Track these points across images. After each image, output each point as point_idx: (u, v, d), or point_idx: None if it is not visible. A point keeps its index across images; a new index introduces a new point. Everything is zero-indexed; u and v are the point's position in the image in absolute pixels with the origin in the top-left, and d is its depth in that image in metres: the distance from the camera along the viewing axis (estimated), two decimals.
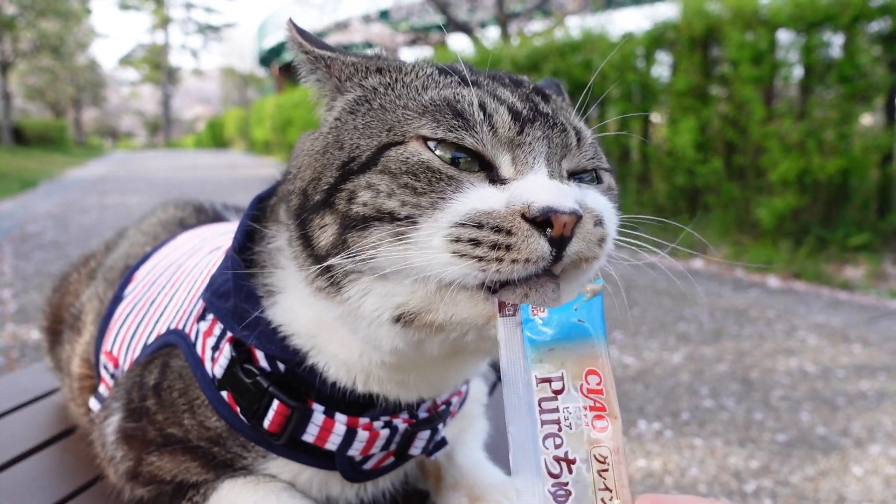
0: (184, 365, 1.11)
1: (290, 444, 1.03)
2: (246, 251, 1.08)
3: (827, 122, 7.36)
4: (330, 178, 0.88)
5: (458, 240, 0.77)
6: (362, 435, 1.02)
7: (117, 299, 1.36)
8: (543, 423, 0.70)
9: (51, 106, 41.89)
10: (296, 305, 1.00)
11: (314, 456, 1.05)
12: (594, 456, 0.69)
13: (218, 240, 1.39)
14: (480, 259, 0.76)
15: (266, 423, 1.01)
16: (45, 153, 26.92)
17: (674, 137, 8.79)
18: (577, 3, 17.15)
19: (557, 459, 0.69)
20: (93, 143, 52.00)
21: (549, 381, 0.71)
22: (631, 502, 0.68)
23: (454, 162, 0.84)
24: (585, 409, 0.70)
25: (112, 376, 1.27)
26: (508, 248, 0.76)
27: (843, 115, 7.27)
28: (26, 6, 25.34)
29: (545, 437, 0.69)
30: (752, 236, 8.08)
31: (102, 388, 1.28)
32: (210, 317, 1.09)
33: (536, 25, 18.49)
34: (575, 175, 0.93)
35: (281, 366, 1.02)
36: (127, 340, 1.26)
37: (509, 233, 0.77)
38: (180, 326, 1.16)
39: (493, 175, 0.84)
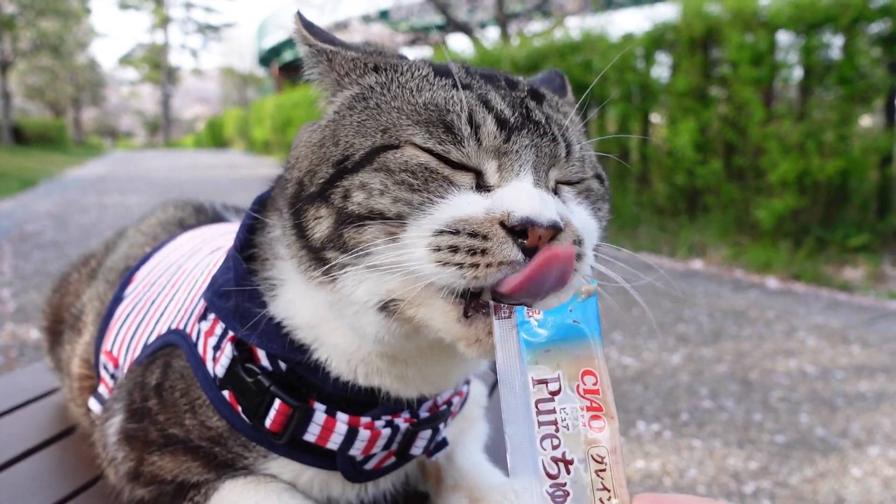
0: (185, 365, 1.11)
1: (292, 444, 1.03)
2: (248, 249, 1.08)
3: (826, 123, 7.36)
4: (325, 174, 0.90)
5: (438, 248, 0.79)
6: (364, 434, 1.02)
7: (117, 299, 1.36)
8: (540, 424, 0.70)
9: (50, 105, 41.87)
10: (296, 297, 1.01)
11: (315, 456, 1.05)
12: (592, 456, 0.69)
13: (218, 240, 1.39)
14: (460, 266, 0.78)
15: (267, 423, 1.01)
16: (45, 153, 26.92)
17: (673, 138, 8.79)
18: (577, 4, 17.15)
19: (555, 460, 0.69)
20: (92, 142, 51.98)
21: (545, 382, 0.71)
22: (629, 502, 0.68)
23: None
24: (582, 409, 0.70)
25: (112, 376, 1.27)
26: (484, 252, 0.78)
27: (843, 117, 7.27)
28: (26, 5, 25.32)
29: (542, 439, 0.69)
30: (751, 237, 8.08)
31: (102, 389, 1.28)
32: (211, 316, 1.09)
33: (536, 26, 18.50)
34: (566, 184, 0.93)
35: (283, 365, 1.03)
36: (127, 340, 1.26)
37: (485, 238, 0.79)
38: (181, 326, 1.16)
39: (480, 180, 0.86)
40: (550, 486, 0.68)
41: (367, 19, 21.58)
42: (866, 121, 8.16)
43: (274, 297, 1.03)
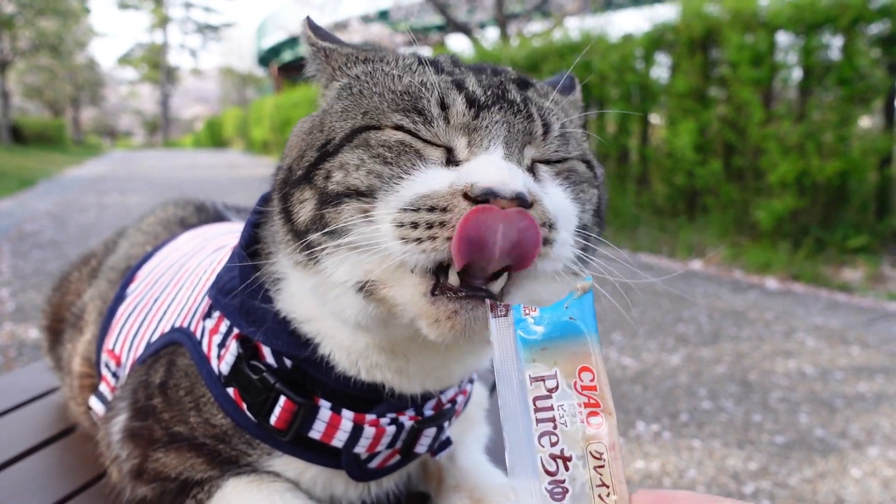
0: (189, 363, 1.11)
1: (296, 442, 1.03)
2: (253, 245, 1.09)
3: (826, 124, 7.37)
4: (311, 157, 0.93)
5: (401, 224, 0.80)
6: (369, 431, 1.02)
7: (119, 298, 1.36)
8: (538, 421, 0.70)
9: (49, 105, 41.83)
10: (297, 290, 1.01)
11: (320, 453, 1.05)
12: (590, 452, 0.69)
13: (221, 239, 1.39)
14: (419, 241, 0.78)
15: (272, 420, 1.01)
16: (44, 152, 26.90)
17: (673, 139, 8.79)
18: (577, 5, 17.15)
19: (553, 457, 0.69)
20: (91, 142, 51.94)
21: (542, 379, 0.71)
22: (627, 498, 0.67)
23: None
24: (580, 406, 0.70)
25: (114, 375, 1.27)
26: (443, 224, 0.77)
27: (842, 118, 7.27)
28: (25, 5, 25.31)
29: (541, 436, 0.69)
30: (750, 238, 8.09)
31: (103, 387, 1.28)
32: (216, 314, 1.09)
33: (535, 26, 18.51)
34: (545, 163, 0.93)
35: (288, 362, 1.03)
36: (129, 339, 1.26)
37: (444, 210, 0.78)
38: (185, 324, 1.16)
39: (451, 156, 0.87)
40: (549, 484, 0.68)
41: (366, 19, 21.57)
42: (865, 122, 8.17)
43: (278, 291, 1.03)
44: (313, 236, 0.88)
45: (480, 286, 0.80)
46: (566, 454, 0.69)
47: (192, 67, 68.92)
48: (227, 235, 1.41)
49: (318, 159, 0.91)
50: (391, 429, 1.03)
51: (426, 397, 1.07)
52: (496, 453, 1.32)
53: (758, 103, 7.82)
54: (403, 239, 0.79)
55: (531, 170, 0.90)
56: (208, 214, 1.68)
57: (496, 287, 0.81)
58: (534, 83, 1.02)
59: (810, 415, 3.96)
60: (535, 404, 0.70)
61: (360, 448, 1.03)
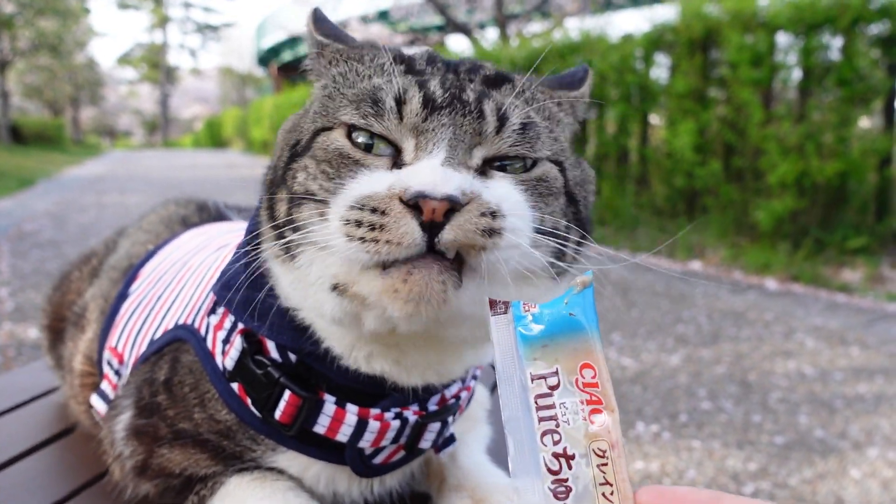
0: (194, 360, 1.11)
1: (301, 437, 1.03)
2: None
3: (825, 124, 7.37)
4: (285, 157, 0.99)
5: (347, 222, 0.82)
6: (373, 426, 1.02)
7: (122, 296, 1.36)
8: (540, 420, 0.69)
9: (49, 104, 41.82)
10: (285, 283, 1.03)
11: (324, 449, 1.04)
12: (593, 450, 0.68)
13: (224, 238, 1.39)
14: (363, 240, 0.81)
15: (277, 415, 1.01)
16: (43, 152, 26.90)
17: (672, 139, 8.80)
18: (576, 5, 17.17)
19: (556, 456, 0.68)
20: (90, 141, 51.94)
21: (543, 377, 0.70)
22: (631, 495, 0.67)
23: (368, 147, 0.91)
24: (582, 403, 0.69)
25: (116, 372, 1.27)
26: (382, 228, 0.80)
27: (842, 118, 7.28)
28: (25, 4, 25.30)
29: (543, 434, 0.69)
30: (750, 238, 8.09)
31: (105, 385, 1.28)
32: (220, 310, 1.09)
33: (535, 27, 18.52)
34: (499, 161, 0.92)
35: (292, 357, 1.03)
36: (132, 336, 1.26)
37: (384, 213, 0.81)
38: (189, 321, 1.17)
39: (398, 158, 0.89)
40: (552, 483, 0.67)
41: (366, 20, 21.57)
42: (865, 122, 8.17)
43: (278, 286, 1.04)
44: (288, 234, 0.92)
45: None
46: (569, 452, 0.68)
47: (192, 67, 68.96)
48: (230, 234, 1.41)
49: (289, 160, 0.97)
50: (395, 423, 1.03)
51: (430, 392, 1.07)
52: (497, 453, 1.32)
53: (757, 104, 7.83)
54: (349, 236, 0.81)
55: (482, 169, 0.90)
56: (210, 213, 1.68)
57: (447, 252, 0.82)
58: (512, 79, 1.01)
59: (810, 415, 3.96)
60: (536, 402, 0.69)
61: (365, 443, 1.03)
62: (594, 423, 0.69)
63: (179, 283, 1.29)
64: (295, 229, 0.90)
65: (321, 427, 1.01)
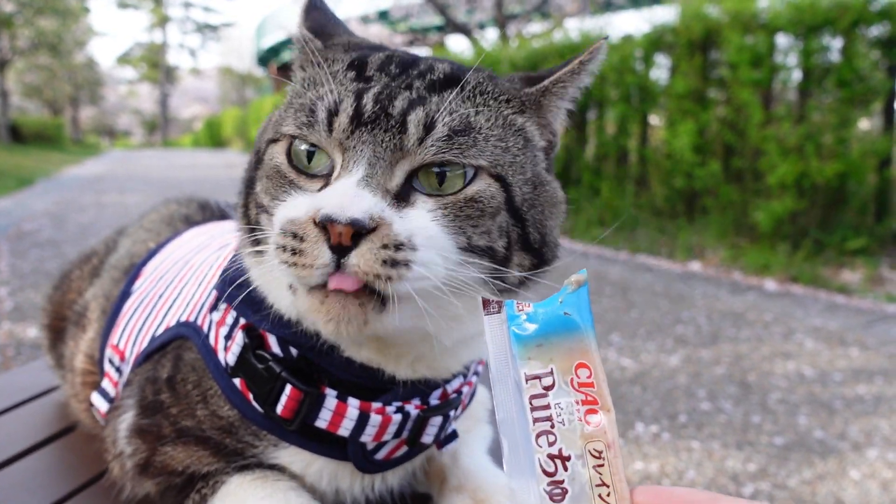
0: (196, 357, 1.11)
1: (303, 432, 1.03)
2: None
3: (825, 125, 7.37)
4: (253, 161, 1.03)
5: (277, 246, 0.85)
6: (375, 419, 1.01)
7: (125, 295, 1.37)
8: (535, 420, 0.68)
9: (48, 104, 41.80)
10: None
11: (326, 444, 1.04)
12: (589, 451, 0.67)
13: (226, 237, 1.39)
14: (288, 264, 0.84)
15: (279, 409, 1.01)
16: (42, 151, 26.88)
17: (672, 140, 8.80)
18: (576, 6, 17.18)
19: (552, 457, 0.67)
20: (90, 141, 51.92)
21: (538, 377, 0.69)
22: (628, 496, 0.66)
23: (310, 155, 0.92)
24: (577, 403, 0.69)
25: (117, 370, 1.27)
26: (301, 253, 0.83)
27: (842, 119, 7.28)
28: (24, 4, 25.29)
29: (538, 435, 0.68)
30: (749, 239, 8.09)
31: (106, 383, 1.28)
32: (222, 306, 1.10)
33: (535, 27, 18.53)
34: (437, 167, 0.88)
35: (293, 351, 1.03)
36: (134, 334, 1.27)
37: (302, 239, 0.83)
38: (191, 319, 1.17)
39: (328, 178, 0.90)
40: (548, 485, 0.66)
41: (365, 20, 21.56)
42: (865, 124, 8.18)
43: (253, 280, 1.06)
44: (257, 234, 0.96)
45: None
46: (564, 454, 0.67)
47: (192, 67, 68.94)
48: (232, 233, 1.41)
49: (255, 165, 1.02)
50: (397, 417, 1.03)
51: (431, 386, 1.07)
52: (498, 453, 1.32)
53: (757, 105, 7.83)
54: (281, 261, 0.84)
55: (403, 190, 0.88)
56: (212, 212, 1.68)
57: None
58: (459, 82, 0.94)
59: (809, 416, 3.96)
60: (531, 403, 0.69)
61: (367, 437, 1.03)
62: (590, 424, 0.68)
63: (182, 281, 1.29)
64: (258, 230, 0.95)
65: (323, 421, 1.01)
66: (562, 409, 0.68)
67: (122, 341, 1.28)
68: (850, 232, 7.52)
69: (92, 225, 9.75)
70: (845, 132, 7.31)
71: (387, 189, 0.86)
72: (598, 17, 16.01)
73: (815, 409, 4.05)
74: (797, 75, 7.95)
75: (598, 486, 0.66)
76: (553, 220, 1.00)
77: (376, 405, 1.02)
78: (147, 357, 1.20)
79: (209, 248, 1.35)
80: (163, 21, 61.18)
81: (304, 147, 0.92)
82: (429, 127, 0.88)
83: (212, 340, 1.10)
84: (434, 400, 1.09)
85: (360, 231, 0.80)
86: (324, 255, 0.81)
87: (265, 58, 43.68)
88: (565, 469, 0.67)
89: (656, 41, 9.25)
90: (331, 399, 1.01)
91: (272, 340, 1.03)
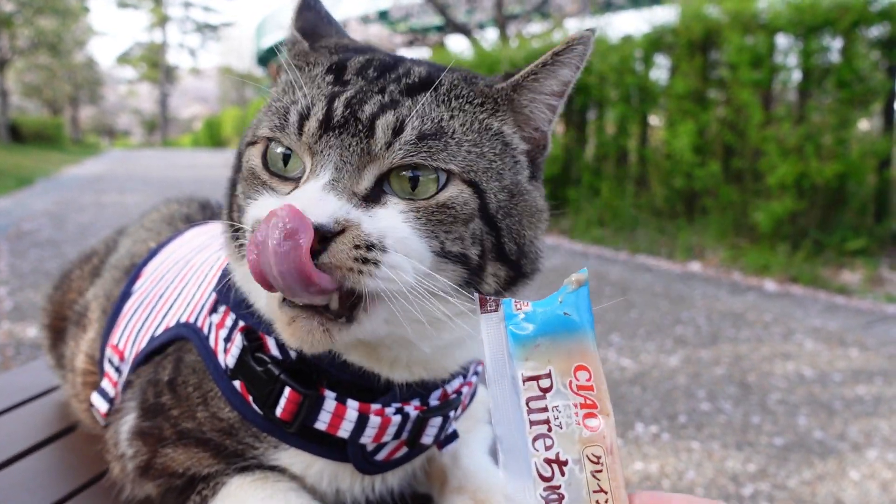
0: (197, 359, 1.11)
1: (303, 434, 1.03)
2: None
3: (825, 126, 7.38)
4: (236, 163, 1.05)
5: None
6: (374, 421, 1.01)
7: (126, 295, 1.37)
8: (532, 423, 0.67)
9: (48, 103, 41.75)
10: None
11: (326, 445, 1.04)
12: (587, 456, 0.66)
13: None
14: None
15: (278, 412, 1.01)
16: (42, 151, 26.86)
17: (672, 140, 8.80)
18: (576, 6, 17.16)
19: (548, 461, 0.66)
20: (89, 141, 51.87)
21: (536, 379, 0.68)
22: (627, 503, 0.65)
23: (286, 158, 0.92)
24: (576, 406, 0.67)
25: (117, 370, 1.27)
26: None
27: (841, 120, 7.28)
28: (24, 3, 25.26)
29: (535, 439, 0.66)
30: (749, 240, 8.09)
31: (105, 383, 1.28)
32: (222, 308, 1.10)
33: (535, 27, 18.52)
34: (409, 170, 0.87)
35: (292, 353, 1.03)
36: (134, 334, 1.27)
37: None
38: (191, 320, 1.17)
39: (298, 183, 0.91)
40: (544, 490, 0.65)
41: (365, 20, 21.54)
42: (864, 124, 8.18)
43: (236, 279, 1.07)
44: (236, 235, 0.98)
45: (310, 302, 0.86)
46: (562, 458, 0.66)
47: (191, 67, 68.85)
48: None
49: (235, 168, 1.04)
50: (396, 418, 1.03)
51: (431, 387, 1.07)
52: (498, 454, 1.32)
53: (757, 105, 7.83)
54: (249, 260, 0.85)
55: (372, 193, 0.87)
56: (213, 212, 1.68)
57: (332, 303, 0.86)
58: (434, 84, 0.93)
59: (809, 417, 3.96)
60: (528, 405, 0.67)
61: (366, 438, 1.02)
62: (588, 428, 0.67)
63: (182, 282, 1.29)
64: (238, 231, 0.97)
65: (322, 423, 1.01)
66: (559, 412, 0.67)
67: (122, 341, 1.28)
68: (849, 232, 7.52)
69: (91, 225, 9.74)
70: (845, 133, 7.32)
71: (354, 192, 0.86)
72: (598, 18, 15.98)
73: (815, 410, 4.05)
74: (797, 76, 7.95)
75: (595, 492, 0.65)
76: (531, 230, 0.97)
77: (375, 407, 1.02)
78: (146, 357, 1.20)
79: (210, 247, 1.35)
80: (162, 21, 61.15)
81: (280, 150, 0.93)
82: (397, 131, 0.87)
83: (211, 342, 1.10)
84: (434, 401, 1.08)
85: (325, 235, 0.80)
86: None
87: (265, 58, 43.63)
88: (562, 474, 0.65)
89: (656, 41, 9.25)
90: (330, 401, 1.01)
91: (271, 343, 1.03)
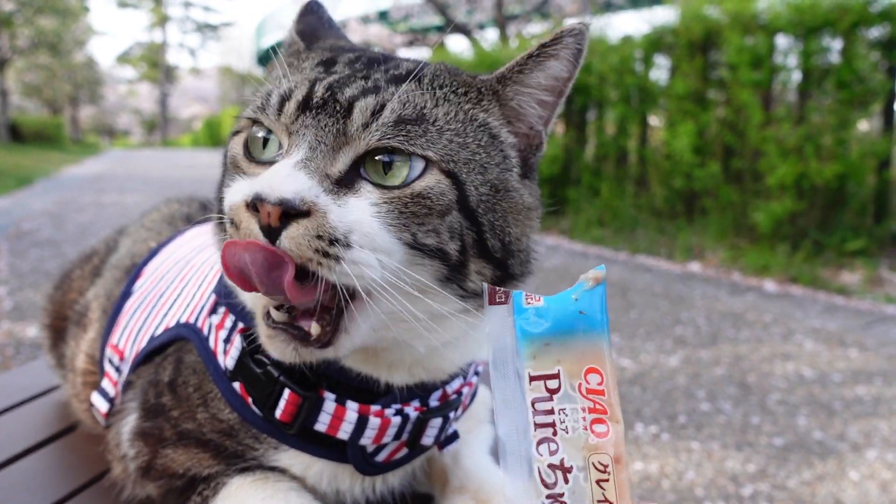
0: (197, 360, 1.11)
1: (302, 435, 1.03)
2: None
3: (825, 127, 7.37)
4: (223, 160, 1.04)
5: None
6: (374, 422, 1.01)
7: (126, 294, 1.36)
8: (537, 426, 0.64)
9: (48, 103, 41.76)
10: None
11: (326, 446, 1.04)
12: (593, 464, 0.62)
13: None
14: None
15: (278, 413, 1.00)
16: (42, 150, 26.84)
17: (672, 141, 8.79)
18: (576, 6, 17.16)
19: (552, 467, 0.63)
20: (89, 140, 51.88)
21: (543, 378, 0.64)
22: None
23: (265, 142, 0.92)
24: (584, 410, 0.64)
25: (117, 369, 1.27)
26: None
27: (841, 121, 7.28)
28: (24, 3, 25.25)
29: (539, 443, 0.63)
30: (749, 240, 8.09)
31: (105, 382, 1.28)
32: (222, 310, 1.09)
33: (535, 28, 18.51)
34: (379, 155, 0.86)
35: None
36: (134, 333, 1.27)
37: (237, 226, 0.82)
38: (191, 321, 1.17)
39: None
40: (547, 497, 0.62)
41: (365, 20, 21.54)
42: (864, 125, 8.17)
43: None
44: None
45: (288, 322, 0.86)
46: (566, 464, 0.63)
47: (191, 66, 68.78)
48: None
49: (223, 163, 1.03)
50: (396, 420, 1.03)
51: (430, 388, 1.06)
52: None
53: (757, 106, 7.83)
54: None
55: (346, 177, 0.85)
56: (214, 212, 1.68)
57: (312, 329, 0.85)
58: (419, 74, 0.92)
59: (809, 417, 3.96)
60: (533, 407, 0.64)
61: (366, 440, 1.02)
62: (596, 434, 0.63)
63: (182, 282, 1.29)
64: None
65: (322, 425, 1.01)
66: (566, 415, 0.64)
67: (122, 341, 1.28)
68: (849, 233, 7.51)
69: (91, 224, 9.74)
70: (845, 133, 7.31)
71: (327, 174, 0.84)
72: (598, 18, 15.98)
73: (815, 410, 4.05)
74: (797, 76, 7.95)
75: (600, 501, 0.62)
76: (518, 227, 0.93)
77: (375, 408, 1.02)
78: (146, 357, 1.20)
79: (210, 247, 1.35)
80: (162, 20, 61.11)
81: (260, 134, 0.92)
82: (376, 113, 0.85)
83: (211, 343, 1.10)
84: (434, 402, 1.08)
85: (288, 212, 0.77)
86: (254, 231, 0.79)
87: (265, 57, 43.55)
88: (566, 481, 0.63)
89: (656, 42, 9.25)
90: (329, 403, 1.00)
91: None
